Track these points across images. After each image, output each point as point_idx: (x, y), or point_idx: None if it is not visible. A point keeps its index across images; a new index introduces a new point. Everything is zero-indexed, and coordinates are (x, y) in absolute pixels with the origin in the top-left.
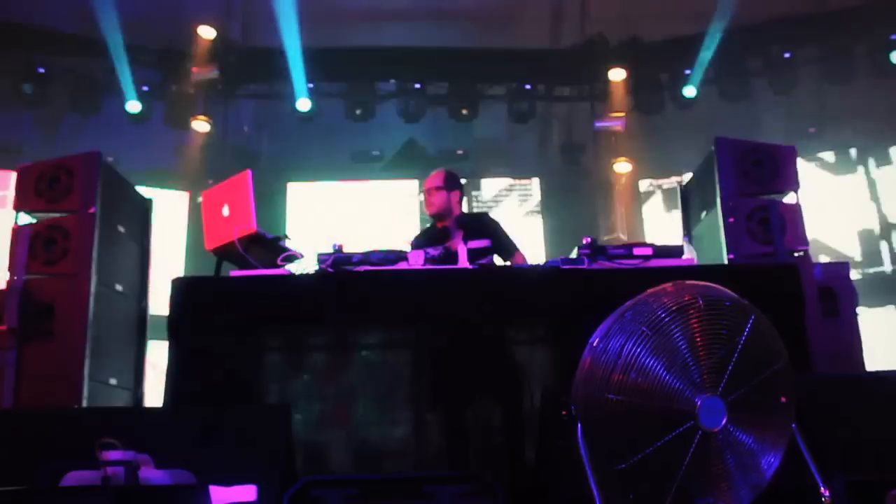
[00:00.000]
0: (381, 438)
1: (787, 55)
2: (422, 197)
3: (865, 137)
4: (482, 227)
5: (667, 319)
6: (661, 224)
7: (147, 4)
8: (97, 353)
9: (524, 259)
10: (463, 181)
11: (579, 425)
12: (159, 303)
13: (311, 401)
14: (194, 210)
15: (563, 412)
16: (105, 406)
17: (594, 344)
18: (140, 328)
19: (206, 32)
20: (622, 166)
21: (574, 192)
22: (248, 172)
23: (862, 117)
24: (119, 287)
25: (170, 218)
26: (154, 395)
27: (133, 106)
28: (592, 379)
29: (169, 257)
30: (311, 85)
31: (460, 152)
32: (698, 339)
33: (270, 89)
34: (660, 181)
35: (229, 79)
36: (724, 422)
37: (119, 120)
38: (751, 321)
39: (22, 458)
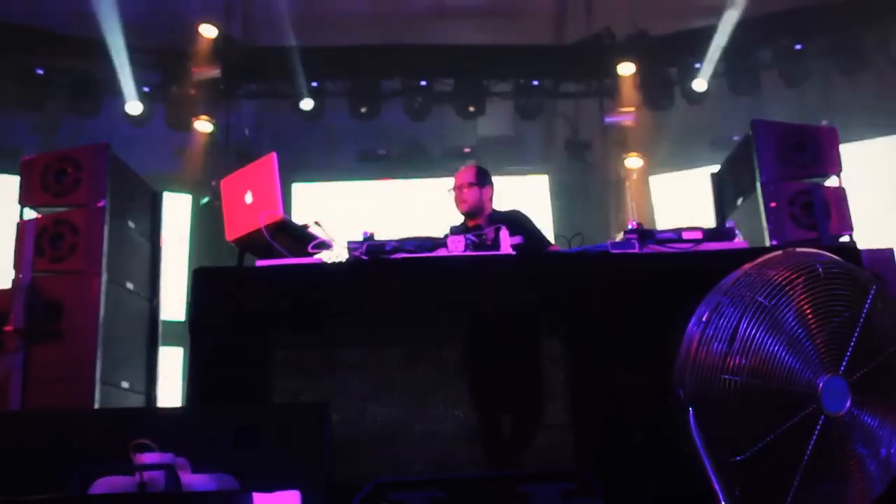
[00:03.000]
0: (425, 437)
1: (797, 47)
2: (433, 193)
3: (875, 129)
4: (515, 223)
5: (785, 290)
6: (674, 219)
7: (146, 4)
8: (108, 355)
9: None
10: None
11: (691, 412)
12: (165, 307)
13: (347, 399)
14: (197, 212)
15: (674, 396)
16: (127, 407)
17: (703, 319)
18: (152, 328)
19: (208, 31)
20: (633, 161)
21: (583, 189)
22: (274, 155)
23: (872, 109)
24: (130, 285)
25: (173, 221)
26: (168, 398)
27: (133, 107)
28: (703, 359)
29: (173, 261)
30: (314, 83)
31: (467, 150)
32: (817, 312)
33: (273, 88)
34: (672, 175)
35: (231, 78)
36: (848, 404)
37: (119, 122)
38: (872, 292)
39: (40, 462)
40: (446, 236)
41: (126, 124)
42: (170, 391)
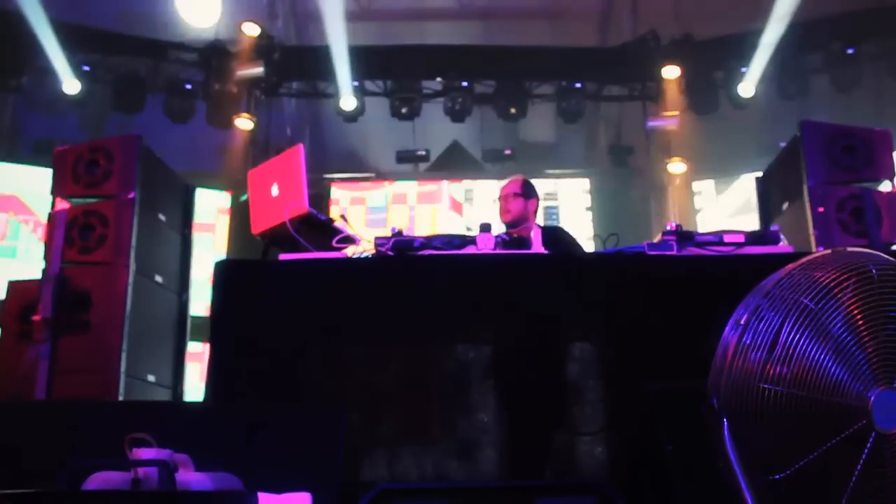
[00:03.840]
0: (447, 442)
1: (849, 51)
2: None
3: None
4: (556, 239)
5: (833, 292)
6: (717, 226)
7: None
8: (135, 348)
9: None
10: None
11: (725, 423)
12: (200, 303)
13: (367, 398)
14: (237, 210)
15: (707, 405)
16: (138, 400)
17: (741, 322)
18: (180, 322)
19: (251, 29)
20: (676, 166)
21: (625, 195)
22: (300, 147)
23: None
24: (159, 278)
25: (212, 218)
26: (197, 394)
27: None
28: (740, 365)
29: (210, 258)
30: (355, 83)
31: (508, 152)
32: (869, 318)
33: (314, 87)
34: (716, 182)
35: (272, 77)
36: None
37: (162, 119)
38: None
39: (47, 454)
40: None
41: (169, 121)
42: (200, 387)
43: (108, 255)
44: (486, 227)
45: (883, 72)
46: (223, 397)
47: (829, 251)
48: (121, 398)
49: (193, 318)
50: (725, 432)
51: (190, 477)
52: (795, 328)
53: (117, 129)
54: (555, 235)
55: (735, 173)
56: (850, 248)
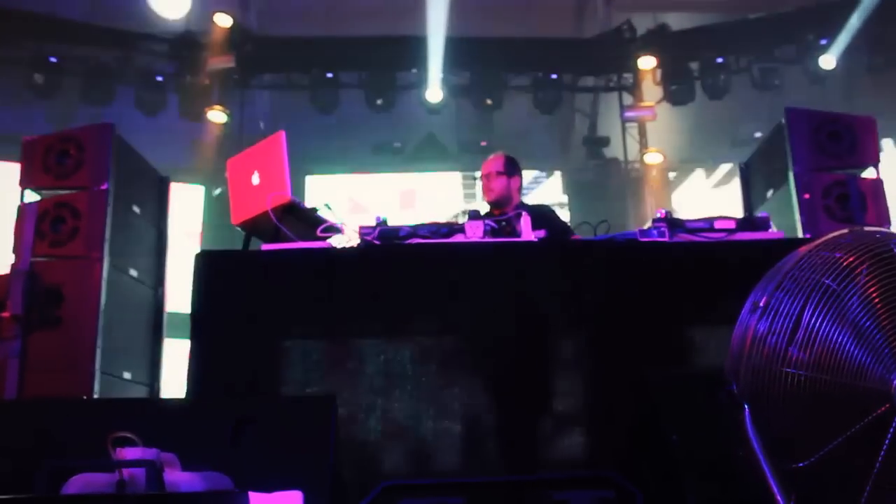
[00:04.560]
0: (438, 435)
1: (823, 41)
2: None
3: None
4: (541, 217)
5: (855, 273)
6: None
7: None
8: (110, 344)
9: None
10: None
11: (747, 409)
12: (177, 299)
13: (356, 393)
14: (210, 204)
15: (726, 392)
16: (119, 397)
17: (760, 304)
18: (156, 318)
19: (223, 20)
20: (652, 157)
21: (601, 185)
22: (282, 133)
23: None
24: (133, 272)
25: (185, 212)
26: (175, 392)
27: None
28: (760, 350)
29: (184, 253)
30: (330, 74)
31: (483, 143)
32: (890, 300)
33: (287, 79)
34: (693, 172)
35: (245, 69)
36: None
37: (132, 111)
38: None
39: (20, 456)
40: (465, 222)
41: (139, 113)
42: (178, 385)
43: (81, 248)
44: (474, 215)
45: (855, 63)
46: (206, 393)
47: (846, 231)
48: (96, 396)
49: (176, 314)
50: (747, 419)
51: (178, 477)
52: (818, 310)
53: (86, 121)
54: (544, 216)
55: (711, 163)
56: (867, 228)
